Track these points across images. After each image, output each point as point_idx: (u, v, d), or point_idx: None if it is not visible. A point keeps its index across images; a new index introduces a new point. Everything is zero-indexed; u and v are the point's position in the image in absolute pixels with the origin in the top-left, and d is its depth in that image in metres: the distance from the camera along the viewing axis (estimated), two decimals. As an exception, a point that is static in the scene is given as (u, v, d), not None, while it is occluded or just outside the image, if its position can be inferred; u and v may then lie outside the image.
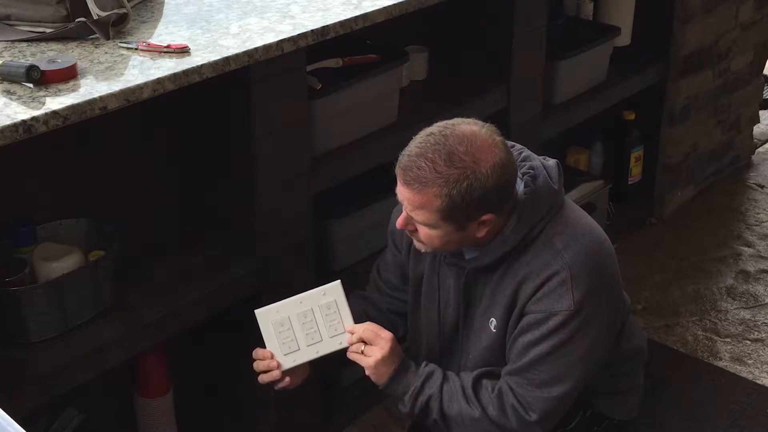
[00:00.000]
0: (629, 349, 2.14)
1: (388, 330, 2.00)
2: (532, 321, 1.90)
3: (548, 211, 1.91)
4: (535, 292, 1.89)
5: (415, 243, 1.96)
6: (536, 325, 1.89)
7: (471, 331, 2.03)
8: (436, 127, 1.85)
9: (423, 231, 1.89)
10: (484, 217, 1.85)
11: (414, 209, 1.85)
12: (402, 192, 1.86)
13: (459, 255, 1.99)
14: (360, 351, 1.97)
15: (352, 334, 1.97)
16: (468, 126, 1.85)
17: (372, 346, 1.96)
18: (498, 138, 1.85)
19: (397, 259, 2.16)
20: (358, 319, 2.02)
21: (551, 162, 1.98)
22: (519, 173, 1.92)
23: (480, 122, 1.87)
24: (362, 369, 2.00)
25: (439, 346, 2.10)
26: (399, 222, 1.92)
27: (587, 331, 1.90)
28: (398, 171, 1.85)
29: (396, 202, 2.18)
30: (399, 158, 1.86)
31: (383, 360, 1.95)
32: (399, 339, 2.21)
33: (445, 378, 1.97)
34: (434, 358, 2.10)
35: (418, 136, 1.86)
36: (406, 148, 1.86)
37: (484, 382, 1.96)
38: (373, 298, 2.22)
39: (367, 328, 1.97)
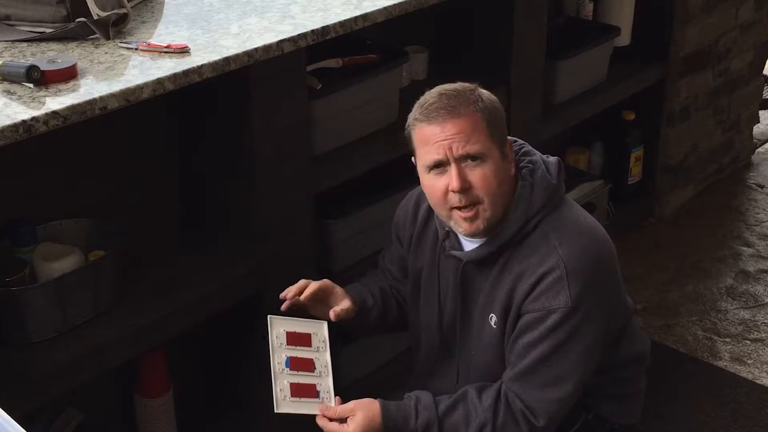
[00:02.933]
0: (632, 353, 2.14)
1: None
2: (530, 320, 1.90)
3: (545, 204, 1.92)
4: (531, 290, 1.89)
5: (468, 226, 1.90)
6: (534, 325, 1.89)
7: (471, 327, 2.03)
8: (428, 90, 1.94)
9: (479, 176, 1.86)
10: (509, 139, 1.93)
11: (468, 139, 1.85)
12: (447, 130, 1.85)
13: (458, 247, 1.99)
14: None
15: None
16: None
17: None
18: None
19: (399, 252, 2.18)
20: (382, 291, 2.14)
21: (552, 159, 1.99)
22: (518, 167, 1.95)
23: None
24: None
25: (439, 341, 2.09)
26: (456, 182, 1.85)
27: (586, 328, 1.89)
28: (427, 119, 1.88)
29: (396, 201, 2.19)
30: (413, 123, 1.91)
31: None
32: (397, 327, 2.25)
33: (441, 422, 1.93)
34: (433, 354, 2.11)
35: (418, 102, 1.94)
36: (416, 113, 1.91)
37: (502, 402, 1.94)
38: (388, 282, 2.24)
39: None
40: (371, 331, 2.18)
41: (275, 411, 1.94)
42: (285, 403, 1.95)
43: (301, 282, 2.08)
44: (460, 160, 1.86)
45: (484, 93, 1.92)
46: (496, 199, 1.88)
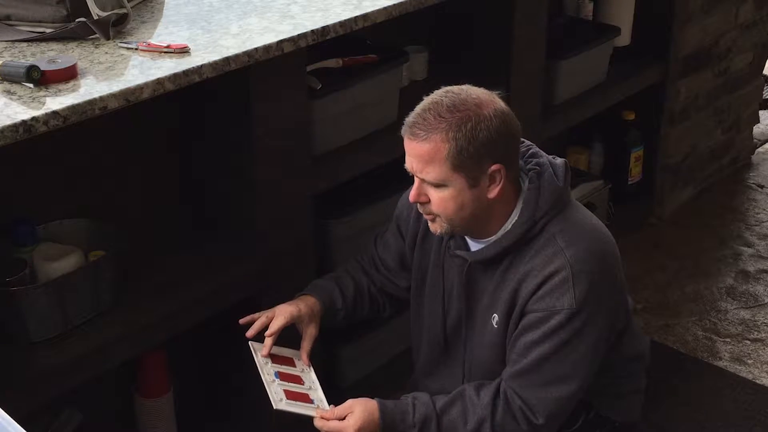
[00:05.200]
0: (632, 352, 2.14)
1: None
2: (533, 320, 1.90)
3: (551, 207, 1.92)
4: (536, 290, 1.89)
5: (430, 226, 1.95)
6: (537, 324, 1.89)
7: (474, 327, 2.03)
8: (436, 91, 1.90)
9: (436, 197, 1.88)
10: (494, 167, 1.85)
11: (424, 166, 1.85)
12: (410, 149, 1.86)
13: (464, 246, 1.99)
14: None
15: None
16: (467, 85, 1.90)
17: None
18: (497, 94, 1.90)
19: (398, 246, 2.17)
20: (357, 292, 2.13)
21: (559, 161, 1.99)
22: (525, 168, 1.95)
23: None
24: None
25: (443, 340, 2.10)
26: (412, 195, 1.91)
27: (589, 330, 1.90)
28: (405, 131, 1.87)
29: (396, 201, 2.19)
30: (404, 122, 1.88)
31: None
32: (384, 318, 2.28)
33: (439, 418, 1.94)
34: (438, 352, 2.11)
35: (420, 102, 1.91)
36: (409, 115, 1.89)
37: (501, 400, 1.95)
38: (372, 274, 2.23)
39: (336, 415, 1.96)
40: (337, 326, 2.22)
41: (273, 408, 1.94)
42: (282, 403, 1.96)
43: (262, 320, 2.06)
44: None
45: (486, 114, 1.83)
46: (454, 220, 1.90)
